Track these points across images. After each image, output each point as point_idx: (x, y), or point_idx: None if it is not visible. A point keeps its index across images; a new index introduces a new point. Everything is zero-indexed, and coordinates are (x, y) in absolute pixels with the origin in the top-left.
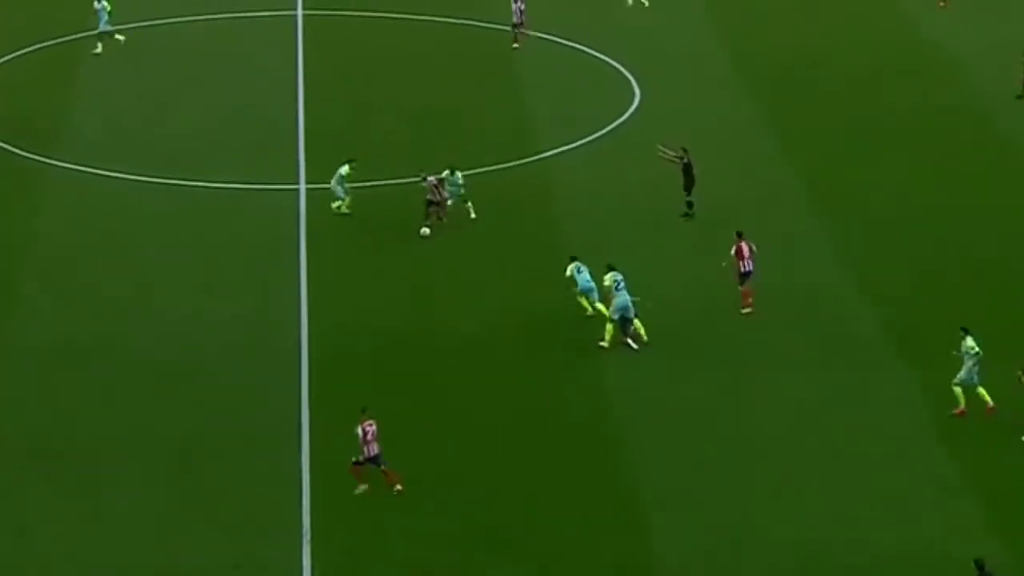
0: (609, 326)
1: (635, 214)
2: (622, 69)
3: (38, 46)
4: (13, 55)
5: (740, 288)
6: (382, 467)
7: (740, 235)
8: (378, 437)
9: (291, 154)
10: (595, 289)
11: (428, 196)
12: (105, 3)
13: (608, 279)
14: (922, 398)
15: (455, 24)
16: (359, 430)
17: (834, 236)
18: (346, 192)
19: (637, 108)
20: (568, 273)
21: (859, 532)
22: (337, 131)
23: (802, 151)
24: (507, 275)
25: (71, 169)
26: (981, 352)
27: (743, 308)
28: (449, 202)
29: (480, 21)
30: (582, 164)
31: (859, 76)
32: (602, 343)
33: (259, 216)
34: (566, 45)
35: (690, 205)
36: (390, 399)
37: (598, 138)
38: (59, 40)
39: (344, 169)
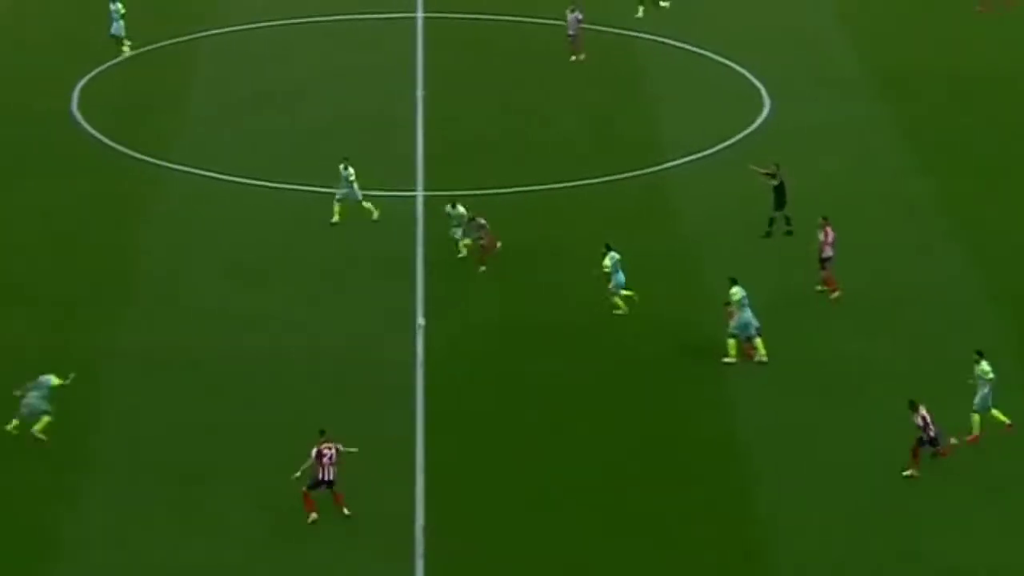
0: (731, 341)
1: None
2: (751, 77)
3: (153, 46)
4: (128, 55)
5: (821, 273)
6: (333, 490)
7: (825, 219)
8: (337, 461)
9: (409, 160)
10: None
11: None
12: (119, 6)
13: (735, 293)
14: None
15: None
16: (314, 452)
17: (966, 245)
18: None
19: (767, 118)
20: (607, 265)
21: (988, 551)
22: (457, 138)
23: (937, 164)
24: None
25: (184, 172)
26: (995, 376)
27: (831, 293)
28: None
29: (605, 26)
30: (707, 174)
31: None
32: (727, 359)
33: (376, 223)
34: (694, 51)
35: (787, 221)
36: (510, 411)
37: (725, 148)
38: (175, 40)
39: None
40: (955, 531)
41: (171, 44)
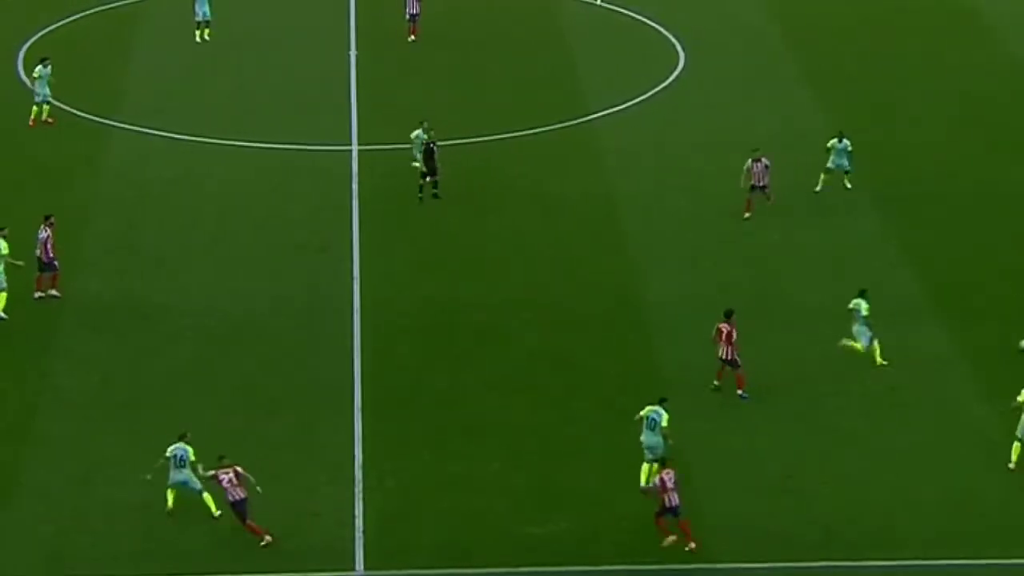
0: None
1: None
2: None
3: (96, 9)
4: (72, 17)
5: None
6: (246, 520)
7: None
8: (240, 483)
9: (344, 115)
10: None
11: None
12: None
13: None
14: None
15: None
16: (216, 479)
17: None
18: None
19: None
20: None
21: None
22: (387, 93)
23: (840, 105)
24: (557, 240)
25: (130, 130)
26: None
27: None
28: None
29: None
30: (628, 126)
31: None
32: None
33: (312, 178)
34: (612, 9)
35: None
36: (438, 372)
37: (643, 100)
38: (117, 3)
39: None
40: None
41: (117, 7)
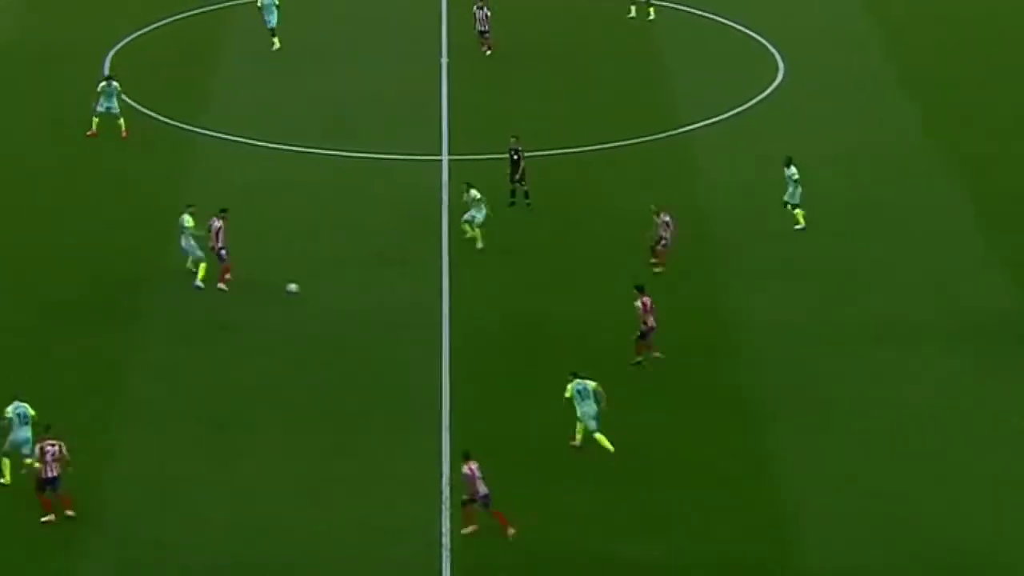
0: None
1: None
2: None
3: (183, 15)
4: (159, 23)
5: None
6: (58, 492)
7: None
8: (60, 458)
9: (434, 124)
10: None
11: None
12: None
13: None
14: None
15: None
16: (37, 448)
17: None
18: None
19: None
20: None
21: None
22: (480, 103)
23: (942, 117)
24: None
25: (215, 137)
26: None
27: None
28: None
29: None
30: (724, 138)
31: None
32: None
33: (402, 187)
34: (709, 17)
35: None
36: (526, 388)
37: (741, 112)
38: (204, 9)
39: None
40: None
41: (203, 13)
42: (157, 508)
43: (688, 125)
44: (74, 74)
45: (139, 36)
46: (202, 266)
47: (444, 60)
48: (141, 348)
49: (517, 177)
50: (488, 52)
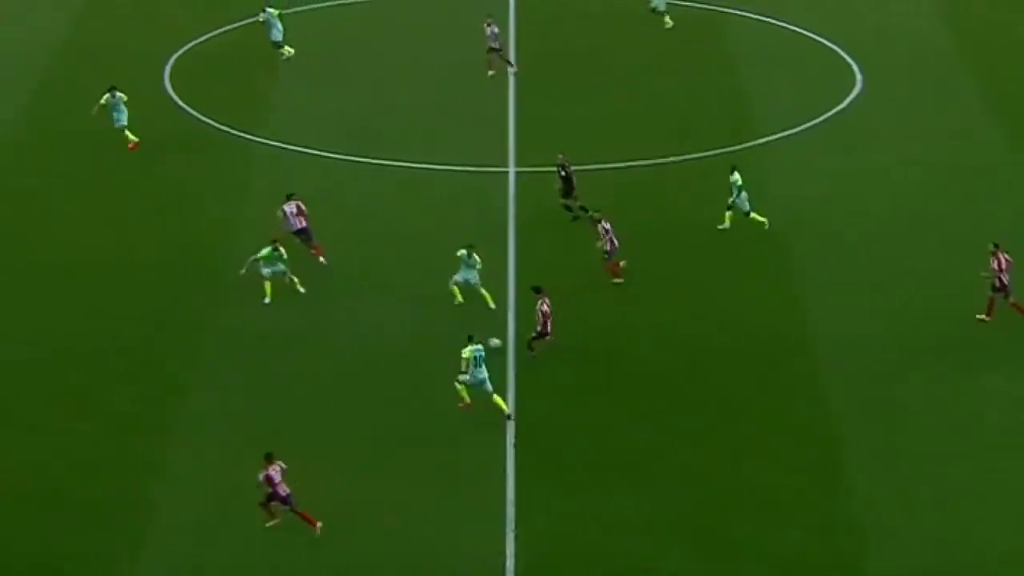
0: None
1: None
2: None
3: (240, 23)
4: (217, 31)
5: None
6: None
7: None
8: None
9: (501, 135)
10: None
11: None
12: (272, 10)
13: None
14: None
15: (673, 5)
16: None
17: None
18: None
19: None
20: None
21: None
22: (547, 115)
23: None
24: (719, 269)
25: (277, 147)
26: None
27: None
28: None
29: (694, 2)
30: (800, 150)
31: None
32: None
33: (468, 199)
34: (783, 27)
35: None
36: (594, 406)
37: (816, 124)
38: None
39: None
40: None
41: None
42: (212, 525)
43: (763, 137)
44: (134, 79)
45: (199, 43)
46: (268, 284)
47: (512, 70)
48: (201, 361)
49: (571, 193)
50: (513, 70)
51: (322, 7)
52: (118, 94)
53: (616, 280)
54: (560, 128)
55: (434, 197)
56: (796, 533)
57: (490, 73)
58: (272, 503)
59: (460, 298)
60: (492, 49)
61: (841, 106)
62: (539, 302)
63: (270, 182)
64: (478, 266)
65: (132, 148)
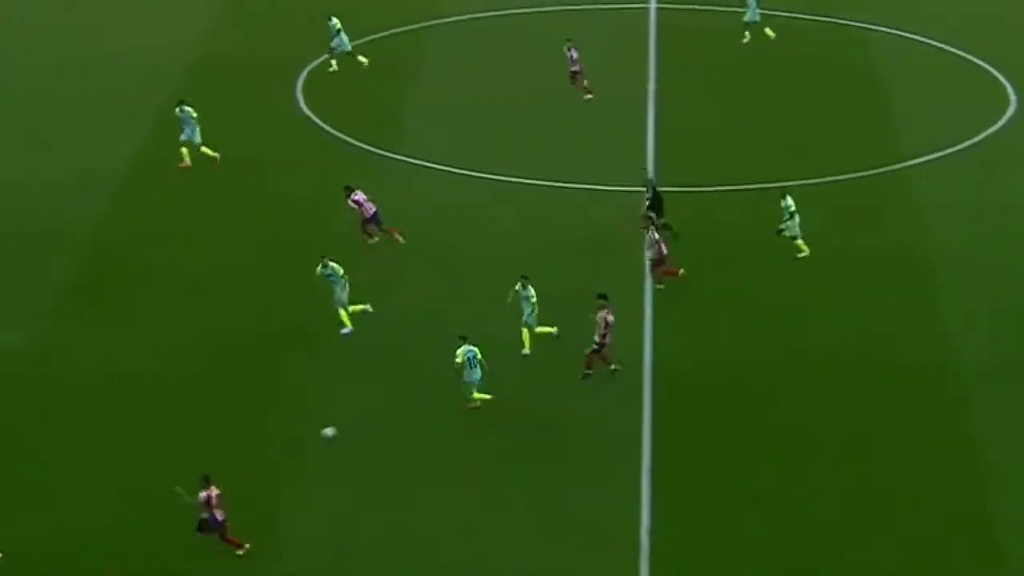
0: None
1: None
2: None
3: (381, 34)
4: (357, 42)
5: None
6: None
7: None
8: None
9: (638, 153)
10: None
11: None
12: (336, 21)
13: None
14: None
15: (816, 21)
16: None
17: None
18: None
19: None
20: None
21: None
22: (686, 131)
23: None
24: (863, 295)
25: (413, 164)
26: None
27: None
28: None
29: (844, 19)
30: (951, 172)
31: None
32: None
33: (604, 220)
34: (931, 44)
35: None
36: (730, 435)
37: (967, 147)
38: (403, 28)
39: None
40: None
41: (397, 33)
42: (326, 544)
43: (913, 159)
44: (274, 90)
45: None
46: (344, 311)
47: (652, 86)
48: (324, 374)
49: (659, 210)
50: (589, 97)
51: (467, 19)
52: (186, 108)
53: (659, 285)
54: (700, 148)
55: (570, 216)
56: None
57: (587, 97)
58: (206, 529)
59: (528, 348)
60: (574, 73)
61: (995, 128)
62: (604, 310)
63: (406, 197)
64: (533, 299)
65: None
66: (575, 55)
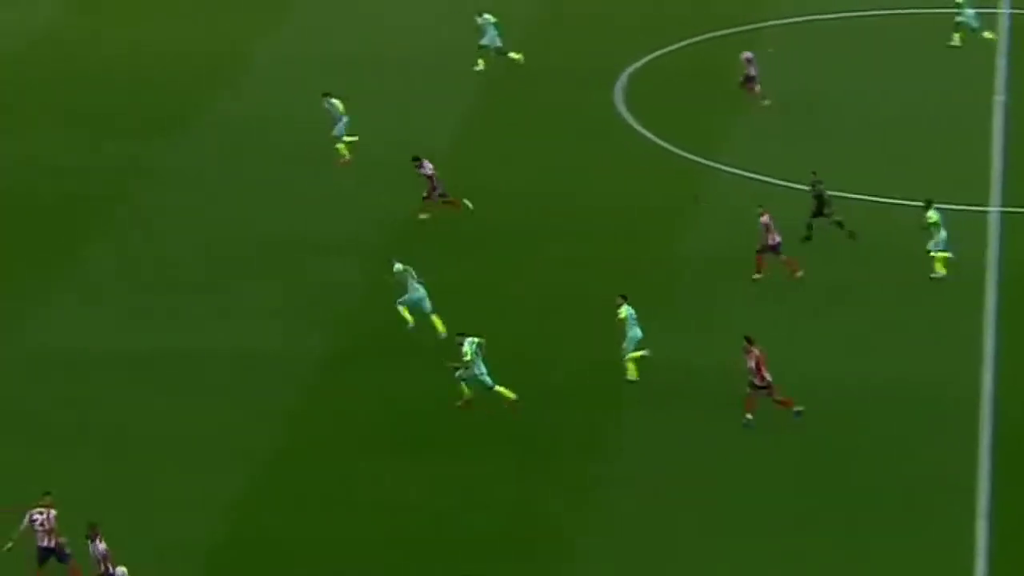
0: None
1: None
2: None
3: (700, 37)
4: (675, 46)
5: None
6: (66, 564)
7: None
8: (53, 528)
9: (983, 169)
10: None
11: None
12: (489, 16)
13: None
14: None
15: None
16: (27, 517)
17: None
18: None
19: None
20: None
21: None
22: None
23: None
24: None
25: (735, 174)
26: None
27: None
28: None
29: None
30: None
31: None
32: None
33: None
34: None
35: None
36: None
37: None
38: (721, 32)
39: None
40: None
41: (726, 35)
42: None
43: None
44: (591, 95)
45: (657, 57)
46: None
47: (1000, 99)
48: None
49: (826, 212)
50: (766, 103)
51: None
52: (333, 100)
53: (756, 275)
54: None
55: (896, 235)
56: None
57: (765, 103)
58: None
59: (635, 374)
60: (749, 78)
61: None
62: (748, 353)
63: (723, 213)
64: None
65: (343, 164)
66: (748, 57)
